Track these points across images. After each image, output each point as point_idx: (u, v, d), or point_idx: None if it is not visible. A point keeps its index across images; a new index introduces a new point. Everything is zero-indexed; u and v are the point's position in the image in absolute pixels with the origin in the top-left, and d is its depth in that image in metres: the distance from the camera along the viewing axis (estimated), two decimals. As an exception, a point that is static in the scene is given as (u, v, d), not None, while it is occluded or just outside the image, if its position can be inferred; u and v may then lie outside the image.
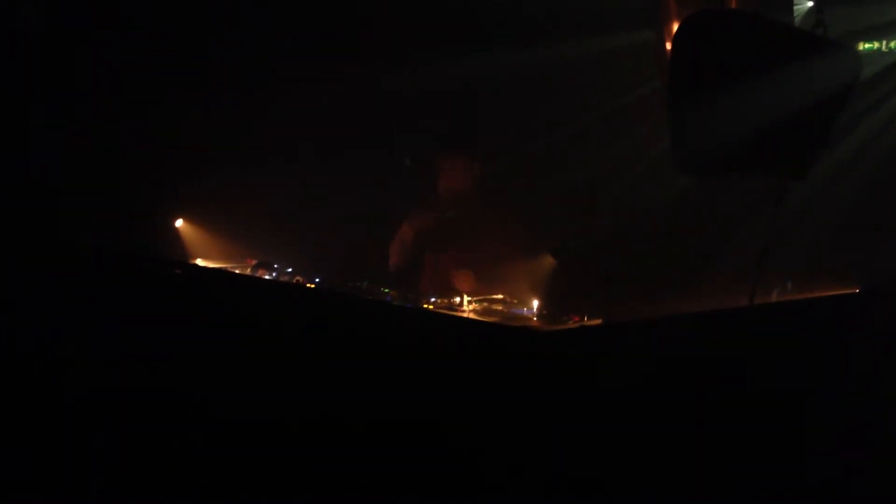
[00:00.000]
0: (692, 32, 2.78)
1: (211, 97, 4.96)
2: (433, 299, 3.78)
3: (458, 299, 3.68)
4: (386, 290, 3.98)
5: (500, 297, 3.80)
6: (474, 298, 3.69)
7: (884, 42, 5.32)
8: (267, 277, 4.00)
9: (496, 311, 3.66)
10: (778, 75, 2.76)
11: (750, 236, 4.11)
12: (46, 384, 3.64)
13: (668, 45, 4.86)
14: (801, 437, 2.63)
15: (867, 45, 5.32)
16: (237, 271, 4.11)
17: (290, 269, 4.17)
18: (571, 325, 3.33)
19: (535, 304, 3.62)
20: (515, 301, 3.83)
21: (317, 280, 4.02)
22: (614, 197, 5.02)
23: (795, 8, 4.80)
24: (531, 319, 3.50)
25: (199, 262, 4.29)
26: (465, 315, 3.54)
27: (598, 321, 3.34)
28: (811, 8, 4.84)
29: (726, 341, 2.68)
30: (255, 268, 4.12)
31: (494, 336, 3.17)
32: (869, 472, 2.62)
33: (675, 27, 4.84)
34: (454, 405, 2.84)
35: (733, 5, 4.25)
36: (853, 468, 2.62)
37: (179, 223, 4.71)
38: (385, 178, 5.07)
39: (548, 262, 4.46)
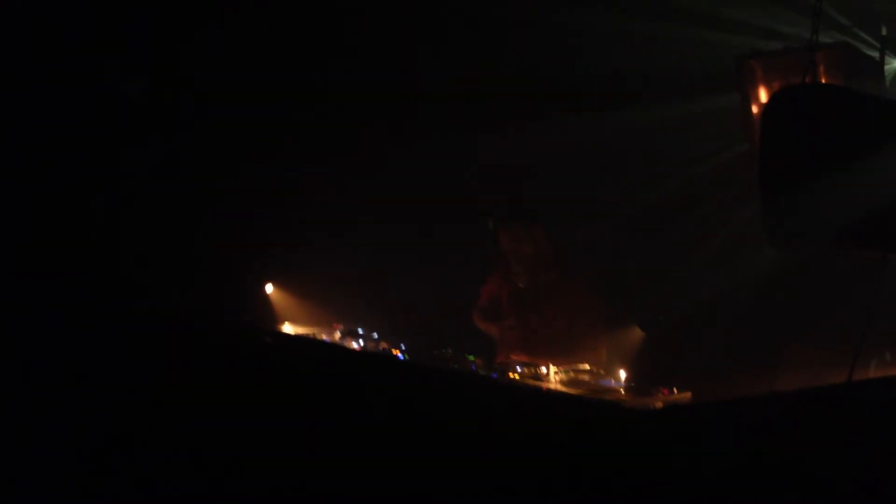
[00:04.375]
0: (782, 108, 2.76)
1: (300, 167, 5.11)
2: (519, 368, 3.77)
3: (544, 369, 3.66)
4: (471, 358, 3.98)
5: (587, 367, 3.77)
6: (561, 369, 3.66)
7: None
8: (354, 345, 4.06)
9: (582, 381, 3.62)
10: (872, 148, 2.71)
11: (844, 308, 3.99)
12: (134, 447, 3.75)
13: (754, 108, 4.83)
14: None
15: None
16: (324, 337, 4.19)
17: (375, 335, 4.22)
18: (660, 397, 3.28)
19: (623, 375, 3.57)
20: (602, 372, 3.78)
21: (402, 346, 4.05)
22: (703, 266, 4.93)
23: (886, 69, 4.70)
24: (618, 391, 3.45)
25: (288, 326, 4.39)
26: (551, 386, 3.51)
27: (687, 394, 3.28)
28: (902, 69, 4.75)
29: (823, 423, 2.59)
30: (343, 335, 4.19)
31: (580, 411, 3.13)
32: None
33: (761, 90, 4.83)
34: (537, 481, 2.82)
35: (822, 71, 4.20)
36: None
37: (269, 289, 4.82)
38: (469, 244, 5.11)
39: (636, 333, 4.41)
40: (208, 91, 4.93)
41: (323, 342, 4.08)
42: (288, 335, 4.18)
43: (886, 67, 4.69)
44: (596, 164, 5.29)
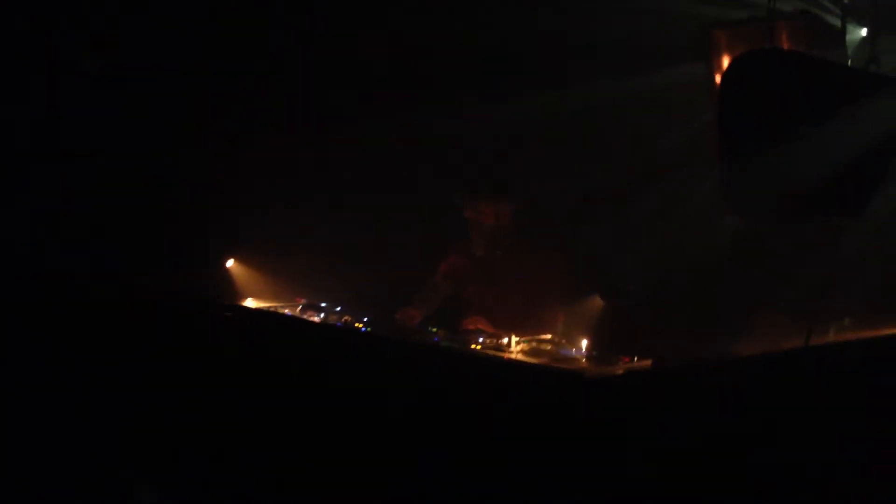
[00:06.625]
0: (742, 74, 2.75)
1: (260, 138, 5.06)
2: (481, 339, 3.75)
3: (505, 340, 3.65)
4: (433, 329, 3.97)
5: (549, 337, 3.76)
6: (522, 339, 3.65)
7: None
8: (316, 319, 4.02)
9: (544, 351, 3.61)
10: (831, 114, 2.71)
11: (804, 273, 4.02)
12: (94, 422, 3.71)
13: (718, 78, 4.81)
14: (865, 483, 2.54)
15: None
16: (286, 311, 4.14)
17: (338, 308, 4.19)
18: (621, 365, 3.28)
19: (584, 344, 3.57)
20: (564, 341, 3.78)
21: (365, 319, 4.03)
22: (664, 235, 4.96)
23: (848, 38, 4.70)
24: (580, 360, 3.45)
25: (250, 301, 4.33)
26: (512, 356, 3.50)
27: (648, 362, 3.28)
28: (865, 38, 4.75)
29: (781, 385, 2.61)
30: (303, 308, 4.15)
31: (542, 380, 3.13)
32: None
33: (725, 60, 4.81)
34: (499, 449, 2.81)
35: (784, 40, 4.19)
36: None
37: (230, 263, 4.77)
38: (432, 217, 5.11)
39: (597, 302, 4.42)
40: (164, 62, 4.87)
41: (283, 315, 4.04)
42: (248, 309, 4.14)
43: (848, 37, 4.68)
44: (561, 136, 5.30)
